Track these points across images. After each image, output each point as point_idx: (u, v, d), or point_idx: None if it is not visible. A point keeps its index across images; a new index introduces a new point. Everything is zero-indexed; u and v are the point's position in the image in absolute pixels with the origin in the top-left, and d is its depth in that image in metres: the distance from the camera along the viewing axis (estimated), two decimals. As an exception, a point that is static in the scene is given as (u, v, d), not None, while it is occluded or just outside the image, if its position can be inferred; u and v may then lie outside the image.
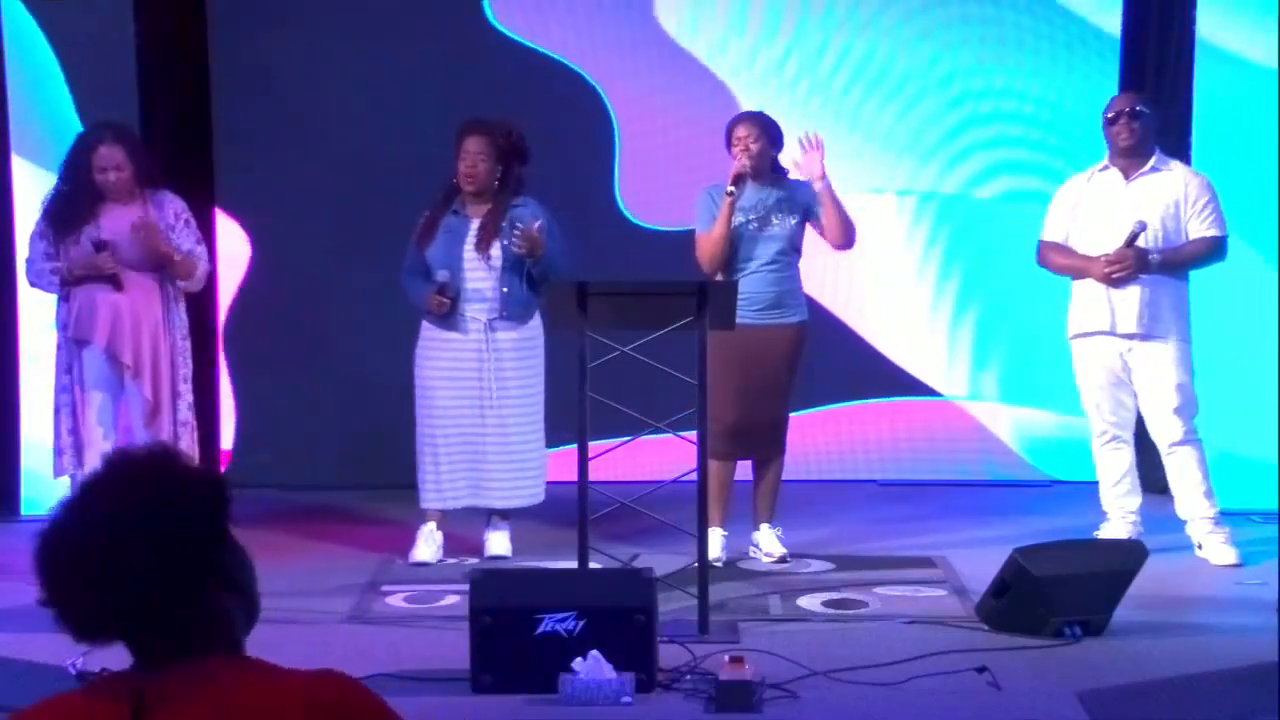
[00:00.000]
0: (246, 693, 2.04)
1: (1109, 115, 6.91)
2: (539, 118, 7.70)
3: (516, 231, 6.63)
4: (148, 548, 2.04)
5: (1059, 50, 8.47)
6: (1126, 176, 6.87)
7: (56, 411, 6.74)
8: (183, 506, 2.08)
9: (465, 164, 6.76)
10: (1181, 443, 6.83)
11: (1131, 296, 6.78)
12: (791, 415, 7.08)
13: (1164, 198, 6.83)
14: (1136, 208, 6.80)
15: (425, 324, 6.88)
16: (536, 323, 6.85)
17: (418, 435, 6.89)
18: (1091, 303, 6.86)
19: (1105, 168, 6.95)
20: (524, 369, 6.83)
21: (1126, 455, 6.96)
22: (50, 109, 7.77)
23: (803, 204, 6.84)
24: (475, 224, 6.79)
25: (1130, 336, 6.81)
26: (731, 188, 6.67)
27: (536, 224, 6.66)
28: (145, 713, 2.02)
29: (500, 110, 7.19)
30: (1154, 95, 8.09)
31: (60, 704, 2.11)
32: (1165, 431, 6.85)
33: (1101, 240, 6.83)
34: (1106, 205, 6.86)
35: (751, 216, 6.76)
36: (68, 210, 6.66)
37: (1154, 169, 6.87)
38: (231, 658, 2.09)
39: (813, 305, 7.11)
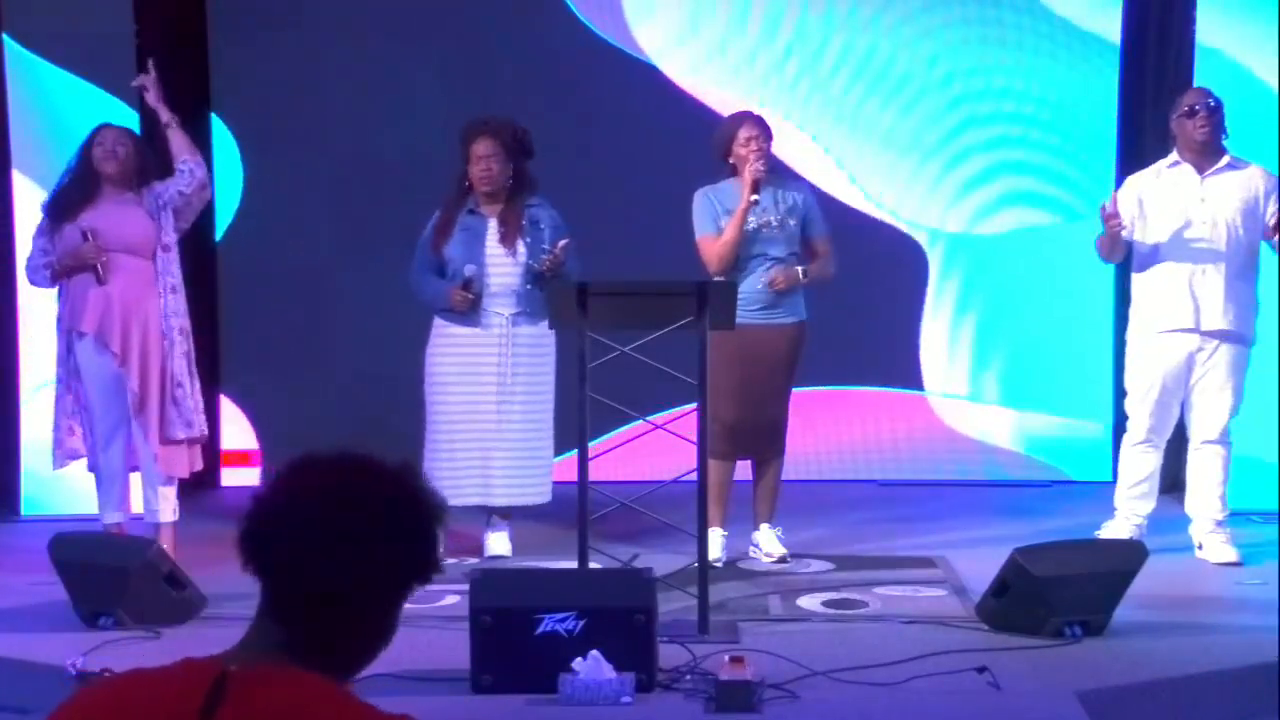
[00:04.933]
0: (323, 717, 2.04)
1: (1185, 109, 6.80)
2: (558, 114, 7.71)
3: (549, 254, 6.69)
4: (389, 537, 2.11)
5: (1059, 50, 8.47)
6: (1200, 172, 6.79)
7: (56, 403, 6.74)
8: (425, 533, 2.17)
9: (479, 168, 6.80)
10: (1215, 441, 6.81)
11: (1216, 293, 6.71)
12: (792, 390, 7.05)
13: (1240, 195, 6.75)
14: (1212, 204, 6.74)
15: (439, 321, 6.88)
16: (548, 322, 6.86)
17: (429, 431, 6.88)
18: (1173, 298, 6.76)
19: (1176, 163, 6.84)
20: (540, 366, 6.87)
21: (1154, 460, 6.93)
22: (51, 116, 7.80)
23: (801, 210, 6.84)
24: (493, 222, 6.83)
25: (1212, 334, 6.74)
26: (756, 196, 6.64)
27: (562, 243, 6.71)
28: (219, 703, 2.01)
29: (515, 107, 7.23)
30: (1154, 96, 8.11)
31: (141, 676, 2.11)
32: (1205, 428, 6.82)
33: (1177, 237, 6.75)
34: (1180, 201, 6.78)
35: (752, 218, 6.74)
36: (65, 200, 6.68)
37: (1230, 166, 6.80)
38: (326, 680, 2.09)
39: (814, 297, 7.09)
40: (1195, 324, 6.75)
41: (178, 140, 6.72)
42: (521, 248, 6.80)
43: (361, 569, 2.09)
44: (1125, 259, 6.99)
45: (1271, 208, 6.77)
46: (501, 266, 6.82)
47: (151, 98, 6.77)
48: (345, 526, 2.09)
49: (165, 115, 6.73)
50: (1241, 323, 6.78)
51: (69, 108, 7.71)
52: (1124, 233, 6.79)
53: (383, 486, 2.14)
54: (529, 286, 6.80)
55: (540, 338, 6.84)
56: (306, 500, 2.11)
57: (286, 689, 2.04)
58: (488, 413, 6.81)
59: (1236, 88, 7.65)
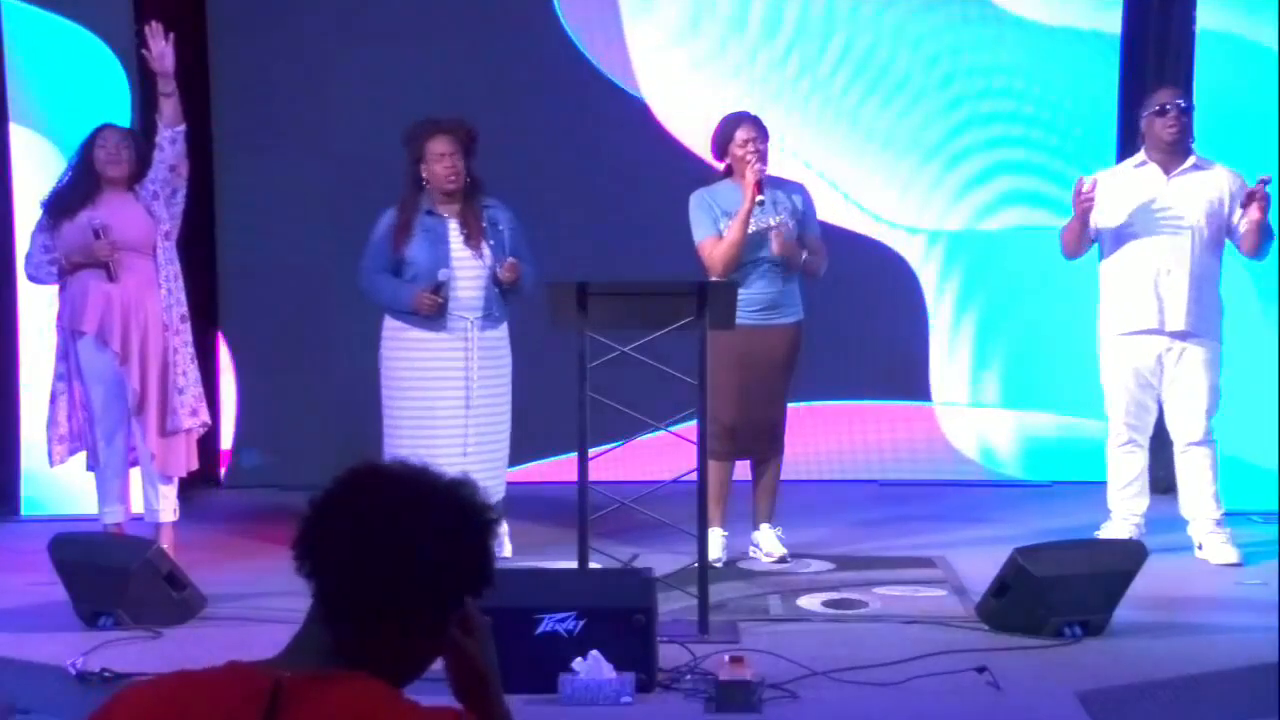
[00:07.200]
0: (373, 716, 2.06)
1: (1155, 108, 6.82)
2: (556, 117, 7.70)
3: (504, 268, 6.65)
4: (441, 549, 2.11)
5: (1059, 50, 8.46)
6: (1166, 172, 6.80)
7: (53, 400, 6.73)
8: (478, 547, 2.15)
9: (444, 165, 6.71)
10: (1200, 443, 6.81)
11: (1180, 293, 6.71)
12: (790, 405, 7.05)
13: (1207, 195, 6.76)
14: (1179, 204, 6.75)
15: (394, 323, 6.80)
16: (506, 325, 6.86)
17: (387, 433, 6.83)
18: (1138, 300, 6.77)
19: (1143, 163, 6.86)
20: (500, 369, 6.83)
21: (1141, 459, 6.93)
22: (50, 111, 7.80)
23: (800, 212, 6.83)
24: (454, 223, 6.77)
25: (1177, 335, 6.75)
26: (761, 197, 6.62)
27: (510, 261, 6.67)
28: (280, 707, 2.03)
29: (515, 108, 7.23)
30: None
31: (191, 679, 2.11)
32: (1186, 430, 6.82)
33: (1143, 237, 6.76)
34: (1147, 200, 6.78)
35: (753, 221, 6.71)
36: (66, 197, 6.67)
37: (1196, 166, 6.82)
38: (375, 681, 2.11)
39: (814, 303, 7.09)
40: (1160, 325, 6.76)
41: (171, 108, 6.64)
42: (486, 250, 6.74)
43: (411, 580, 2.10)
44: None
45: (1237, 208, 6.75)
46: (469, 270, 6.75)
47: (168, 63, 6.60)
48: (398, 536, 2.09)
49: (170, 86, 6.62)
50: (1206, 323, 6.77)
51: (67, 64, 7.72)
52: (1092, 222, 6.79)
53: (437, 498, 2.14)
54: (494, 289, 6.75)
55: (500, 341, 6.81)
56: (361, 508, 2.12)
57: (344, 693, 2.06)
58: (452, 416, 6.75)
59: (1239, 65, 7.66)
